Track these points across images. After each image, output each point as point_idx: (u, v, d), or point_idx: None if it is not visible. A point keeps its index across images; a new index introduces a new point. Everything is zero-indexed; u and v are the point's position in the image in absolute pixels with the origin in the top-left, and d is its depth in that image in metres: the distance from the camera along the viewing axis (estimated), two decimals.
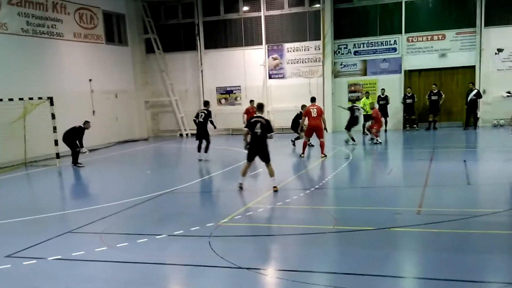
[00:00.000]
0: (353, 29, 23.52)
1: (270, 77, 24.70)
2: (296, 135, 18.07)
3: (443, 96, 21.91)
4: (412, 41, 22.70)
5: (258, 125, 10.65)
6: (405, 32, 22.71)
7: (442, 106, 22.15)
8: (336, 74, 23.85)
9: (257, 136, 10.69)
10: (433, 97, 21.94)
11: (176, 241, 7.56)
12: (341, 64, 23.82)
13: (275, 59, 24.52)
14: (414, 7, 22.57)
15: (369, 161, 15.86)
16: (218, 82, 25.62)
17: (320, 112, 15.53)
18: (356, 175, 13.22)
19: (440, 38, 22.31)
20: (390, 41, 23.02)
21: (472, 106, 21.50)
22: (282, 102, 24.29)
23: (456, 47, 22.17)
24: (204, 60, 25.55)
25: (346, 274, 5.97)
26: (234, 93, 25.45)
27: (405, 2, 22.47)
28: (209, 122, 16.21)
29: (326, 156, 15.31)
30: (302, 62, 24.10)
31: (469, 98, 21.36)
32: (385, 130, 21.94)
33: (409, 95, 22.28)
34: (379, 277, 5.78)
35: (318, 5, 23.36)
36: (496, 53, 21.69)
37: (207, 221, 8.43)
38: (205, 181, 13.20)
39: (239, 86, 25.29)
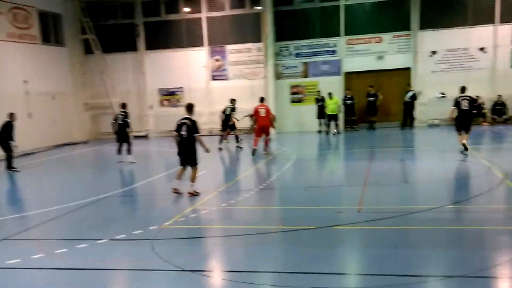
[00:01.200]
0: (294, 32, 23.82)
1: (213, 79, 24.63)
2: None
3: (380, 97, 22.61)
4: (351, 43, 23.26)
5: (184, 127, 10.43)
6: (344, 35, 23.23)
7: (380, 107, 22.85)
8: (278, 76, 24.09)
9: (183, 139, 10.47)
10: (370, 99, 22.61)
11: (118, 245, 7.42)
12: (283, 66, 24.08)
13: (217, 60, 24.48)
14: (352, 11, 23.14)
15: (312, 161, 16.10)
16: (160, 84, 25.31)
17: (268, 112, 16.03)
18: (299, 175, 13.35)
19: (377, 41, 22.97)
20: (330, 43, 23.48)
21: (408, 107, 22.27)
22: (225, 104, 24.21)
23: (392, 50, 22.89)
24: (145, 61, 25.19)
25: (291, 273, 6.05)
26: (177, 95, 25.21)
27: (344, 5, 23.01)
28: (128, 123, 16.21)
29: (268, 154, 15.65)
30: (245, 64, 24.19)
31: (405, 99, 22.12)
32: (327, 131, 22.35)
33: (348, 96, 22.81)
34: (323, 274, 5.89)
35: (259, 7, 23.51)
36: (430, 56, 22.56)
37: (150, 224, 8.31)
38: (148, 183, 12.97)
39: (182, 87, 25.08)
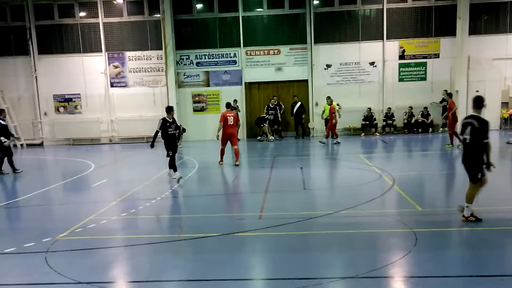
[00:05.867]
0: (194, 41, 23.89)
1: (112, 86, 24.00)
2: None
3: (283, 107, 23.29)
4: (251, 54, 23.74)
5: (469, 128, 7.86)
6: (244, 46, 23.67)
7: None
8: (180, 84, 23.97)
9: (466, 144, 8.01)
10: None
11: (6, 259, 6.99)
12: (184, 75, 24.00)
13: (116, 67, 23.90)
14: (251, 22, 23.65)
15: (215, 169, 16.12)
16: (55, 90, 24.22)
17: (236, 119, 15.39)
18: (202, 183, 13.37)
19: (275, 53, 23.65)
20: (230, 53, 23.80)
21: (299, 118, 23.02)
22: (126, 111, 23.78)
23: (290, 62, 23.67)
24: (38, 66, 23.97)
25: (194, 280, 6.06)
26: (74, 101, 24.21)
27: (242, 17, 23.46)
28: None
29: (238, 165, 15.18)
30: (145, 71, 23.84)
31: (294, 110, 22.91)
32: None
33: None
34: (226, 281, 5.97)
35: (158, 15, 23.32)
36: (325, 69, 23.62)
37: (44, 236, 7.93)
38: (43, 193, 12.28)
39: (79, 94, 24.17)
